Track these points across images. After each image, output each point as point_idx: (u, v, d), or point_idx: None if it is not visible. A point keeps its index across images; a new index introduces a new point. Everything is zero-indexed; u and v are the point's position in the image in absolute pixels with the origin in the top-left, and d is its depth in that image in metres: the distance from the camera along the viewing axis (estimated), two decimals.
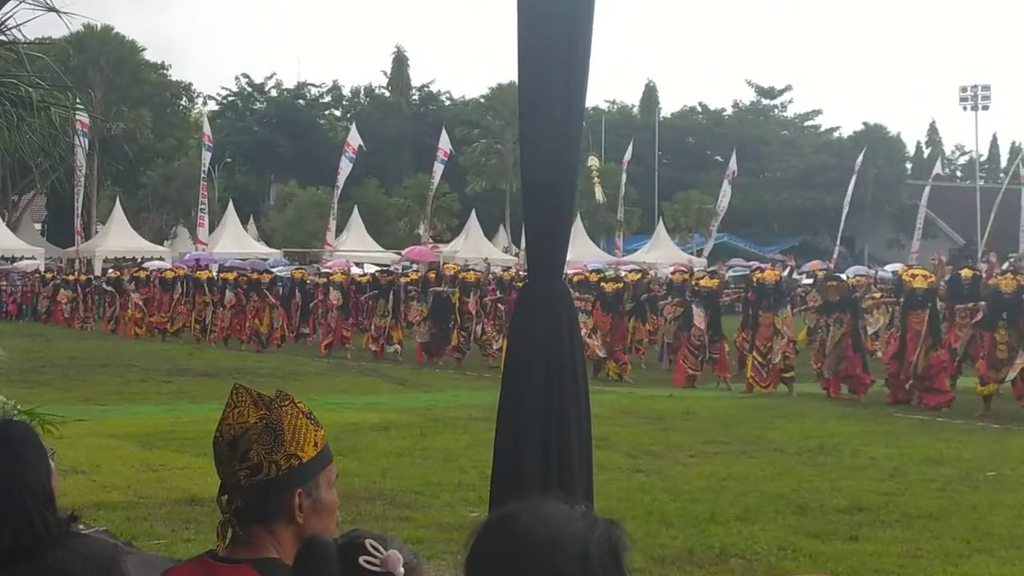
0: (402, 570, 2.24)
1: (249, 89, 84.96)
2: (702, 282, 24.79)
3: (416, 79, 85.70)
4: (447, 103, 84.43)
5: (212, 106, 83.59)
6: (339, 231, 58.94)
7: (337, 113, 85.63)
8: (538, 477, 4.27)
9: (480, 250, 52.18)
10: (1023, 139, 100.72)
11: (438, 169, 59.80)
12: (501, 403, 4.56)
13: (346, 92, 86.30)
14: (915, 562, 9.25)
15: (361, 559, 2.24)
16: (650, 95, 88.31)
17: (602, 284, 26.61)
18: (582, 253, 53.39)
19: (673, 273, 28.30)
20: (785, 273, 24.51)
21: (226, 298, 33.84)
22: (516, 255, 51.32)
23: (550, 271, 4.57)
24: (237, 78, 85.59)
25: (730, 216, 66.73)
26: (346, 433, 15.07)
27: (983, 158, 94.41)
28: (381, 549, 2.26)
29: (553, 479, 4.24)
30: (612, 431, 15.86)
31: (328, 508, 2.76)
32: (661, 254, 57.08)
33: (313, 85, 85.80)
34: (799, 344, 25.55)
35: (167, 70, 74.98)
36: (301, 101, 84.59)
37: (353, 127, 59.81)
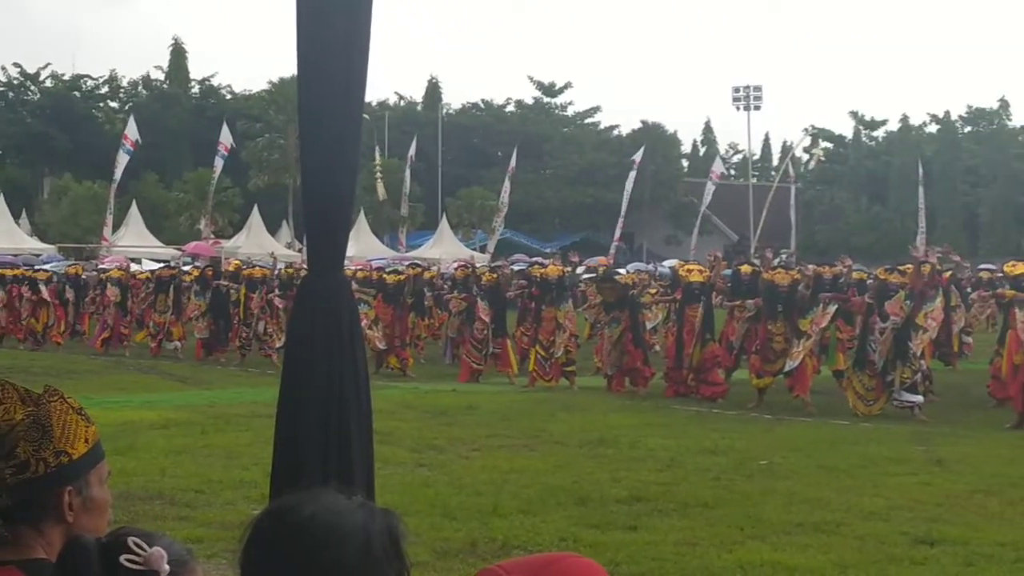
0: (167, 567, 2.17)
1: (21, 79, 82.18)
2: (484, 278, 25.00)
3: (197, 72, 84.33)
4: (228, 97, 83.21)
5: None
6: (116, 226, 57.62)
7: (114, 105, 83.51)
8: (318, 472, 4.25)
9: (263, 245, 51.49)
10: (793, 138, 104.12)
11: (219, 164, 59.15)
12: (281, 396, 4.51)
13: (124, 84, 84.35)
14: (692, 549, 9.48)
15: (122, 557, 2.17)
16: (433, 91, 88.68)
17: (384, 276, 26.68)
18: (366, 249, 53.28)
19: (456, 269, 28.47)
20: (569, 269, 24.85)
21: None
22: (299, 251, 50.86)
23: (330, 263, 4.55)
24: (5, 68, 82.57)
25: (513, 212, 67.41)
26: (123, 432, 14.72)
27: (755, 157, 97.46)
28: (144, 546, 2.18)
29: (333, 473, 4.22)
30: (396, 426, 15.85)
31: (99, 506, 2.69)
32: (445, 250, 57.32)
33: (90, 77, 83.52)
34: (581, 339, 25.94)
35: None
36: (77, 93, 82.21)
37: (131, 119, 58.62)
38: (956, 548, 9.56)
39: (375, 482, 4.70)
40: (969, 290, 27.67)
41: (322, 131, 4.55)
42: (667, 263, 43.94)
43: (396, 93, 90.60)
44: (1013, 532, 10.11)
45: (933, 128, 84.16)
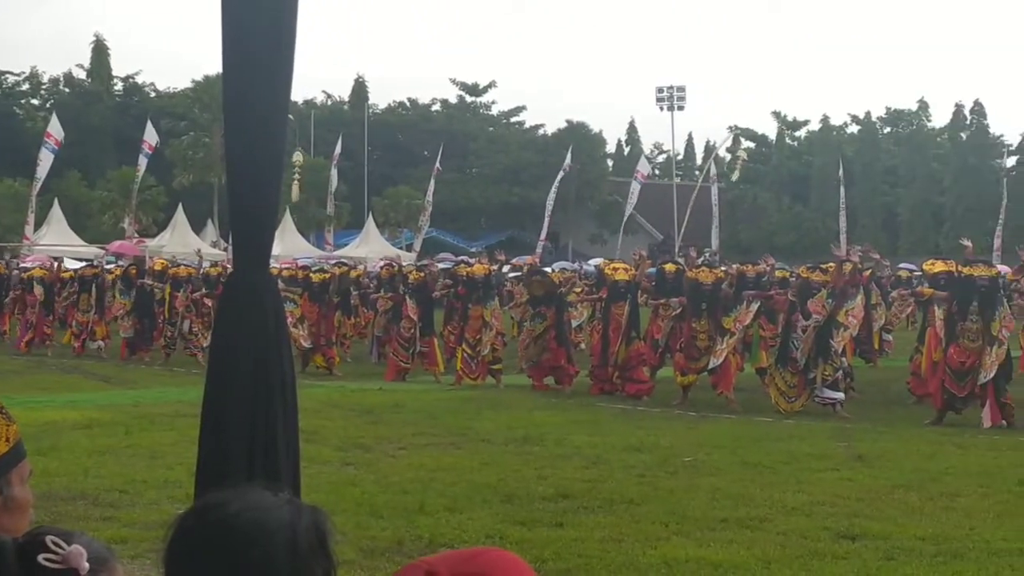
0: (87, 564, 2.11)
1: None
2: (411, 276, 25.00)
3: (120, 70, 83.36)
4: (152, 95, 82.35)
5: None
6: (38, 225, 56.89)
7: (36, 102, 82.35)
8: (243, 471, 4.23)
9: (188, 244, 51.05)
10: (717, 138, 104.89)
11: (143, 162, 58.58)
12: (206, 395, 4.50)
13: (45, 81, 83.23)
14: (617, 546, 9.53)
15: (40, 557, 2.11)
16: (360, 90, 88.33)
17: (310, 275, 26.64)
18: (292, 248, 53.04)
19: (382, 268, 28.42)
20: (495, 268, 24.89)
21: None
22: (225, 249, 50.49)
23: (256, 261, 4.53)
24: None
25: (439, 211, 67.31)
26: (46, 432, 14.57)
27: (679, 156, 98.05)
28: (63, 544, 2.12)
29: (259, 473, 4.21)
30: (322, 424, 15.81)
31: (20, 506, 2.67)
32: (371, 249, 57.06)
33: (11, 73, 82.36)
34: (507, 337, 25.97)
35: None
36: None
37: (54, 117, 57.94)
38: (877, 543, 9.69)
39: (301, 481, 4.69)
40: (889, 289, 28.07)
41: (247, 129, 4.54)
42: (592, 262, 44.03)
43: (323, 92, 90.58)
44: (933, 526, 10.27)
45: (854, 129, 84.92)
